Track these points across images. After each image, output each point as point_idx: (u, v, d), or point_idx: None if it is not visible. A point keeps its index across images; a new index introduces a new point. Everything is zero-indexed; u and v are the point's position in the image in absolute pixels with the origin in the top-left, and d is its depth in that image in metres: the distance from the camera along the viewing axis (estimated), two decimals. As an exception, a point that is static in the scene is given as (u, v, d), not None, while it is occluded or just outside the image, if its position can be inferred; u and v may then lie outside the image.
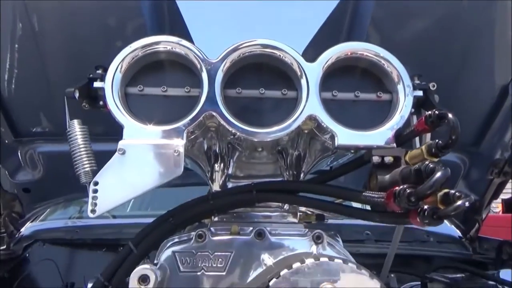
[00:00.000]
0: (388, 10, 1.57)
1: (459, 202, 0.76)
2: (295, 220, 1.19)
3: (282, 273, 0.83)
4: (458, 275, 1.86)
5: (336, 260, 0.85)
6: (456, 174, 2.27)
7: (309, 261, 0.84)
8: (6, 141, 2.03)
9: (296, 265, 0.83)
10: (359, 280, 0.84)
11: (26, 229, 2.47)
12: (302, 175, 1.21)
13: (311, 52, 1.82)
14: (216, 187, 1.22)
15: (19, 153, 2.13)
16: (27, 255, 2.38)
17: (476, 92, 1.93)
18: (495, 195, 2.33)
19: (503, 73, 1.82)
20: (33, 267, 2.35)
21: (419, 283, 1.87)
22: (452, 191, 0.80)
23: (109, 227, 2.41)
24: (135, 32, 1.46)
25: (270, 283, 0.82)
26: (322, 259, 0.85)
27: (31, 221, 2.54)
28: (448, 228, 2.66)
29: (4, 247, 2.31)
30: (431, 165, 0.82)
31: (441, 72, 1.80)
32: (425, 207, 0.80)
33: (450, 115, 0.86)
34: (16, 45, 1.67)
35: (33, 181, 2.23)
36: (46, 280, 2.33)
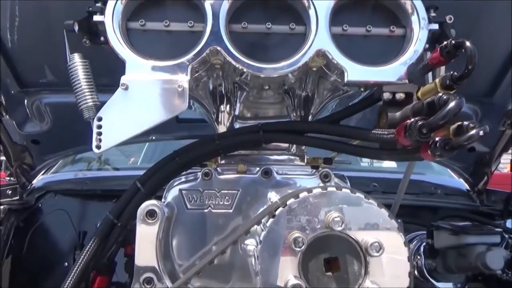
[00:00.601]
0: None
1: (473, 132, 0.73)
2: (303, 163, 1.18)
3: (288, 202, 0.82)
4: (465, 223, 1.86)
5: (344, 189, 0.84)
6: (468, 127, 2.22)
7: (316, 190, 0.83)
8: (12, 92, 2.02)
9: (303, 194, 0.82)
10: (366, 210, 0.83)
11: (38, 180, 2.52)
12: (310, 117, 1.18)
13: None
14: (222, 128, 1.20)
15: (25, 104, 2.12)
16: (40, 205, 2.43)
17: (493, 40, 1.85)
18: (506, 147, 2.30)
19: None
20: (46, 217, 2.40)
21: (425, 232, 1.88)
22: (466, 122, 0.77)
23: (119, 178, 2.44)
24: None
25: (276, 212, 0.82)
26: (329, 189, 0.83)
27: (42, 173, 2.58)
28: (456, 181, 2.65)
29: (17, 197, 2.36)
30: (444, 96, 0.78)
31: (457, 22, 1.72)
32: (437, 139, 0.77)
33: (467, 43, 0.81)
34: None
35: (41, 133, 2.24)
36: (59, 229, 2.40)
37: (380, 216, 0.84)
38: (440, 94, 0.80)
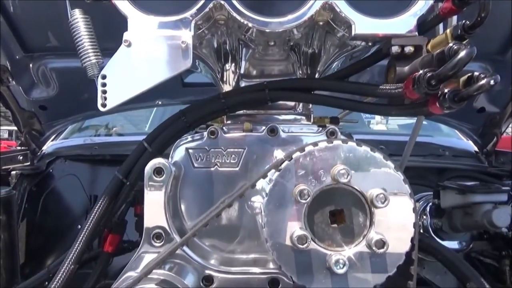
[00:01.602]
0: None
1: (483, 81, 0.71)
2: (309, 122, 1.17)
3: (294, 155, 0.82)
4: (472, 183, 1.86)
5: (350, 142, 0.83)
6: (478, 86, 2.18)
7: (322, 144, 0.83)
8: (17, 57, 2.01)
9: (308, 147, 0.82)
10: (372, 162, 0.83)
11: (48, 146, 2.55)
12: (316, 75, 1.16)
13: None
14: (227, 88, 1.19)
15: (31, 70, 2.12)
16: (51, 171, 2.48)
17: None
18: (521, 107, 2.26)
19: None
20: (57, 182, 2.46)
21: (432, 193, 1.89)
22: (476, 73, 0.75)
23: (127, 143, 2.46)
24: None
25: (282, 166, 0.82)
26: (335, 142, 0.83)
27: (52, 139, 2.61)
28: (464, 143, 2.63)
29: (28, 163, 2.40)
30: (455, 46, 0.75)
31: None
32: (446, 90, 0.76)
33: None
34: None
35: (48, 98, 2.25)
36: (70, 193, 2.46)
37: (386, 168, 0.84)
38: (451, 45, 0.77)
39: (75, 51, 1.58)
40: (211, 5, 0.91)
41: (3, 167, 2.27)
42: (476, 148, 2.54)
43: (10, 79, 2.08)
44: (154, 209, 0.94)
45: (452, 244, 1.86)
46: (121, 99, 0.88)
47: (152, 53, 0.88)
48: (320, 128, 1.06)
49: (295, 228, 0.80)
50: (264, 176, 0.85)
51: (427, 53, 0.89)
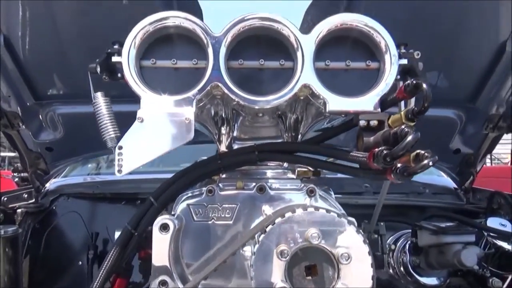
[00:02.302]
0: None
1: (425, 161, 0.90)
2: (294, 176, 1.36)
3: (276, 221, 1.00)
4: (448, 224, 2.03)
5: (320, 210, 1.02)
6: (453, 129, 2.40)
7: (298, 211, 1.01)
8: (28, 104, 2.20)
9: (288, 214, 1.00)
10: (338, 226, 1.01)
11: (51, 184, 2.70)
12: (299, 136, 1.35)
13: (313, 13, 1.91)
14: (223, 147, 1.38)
15: (40, 115, 2.31)
16: (54, 208, 2.62)
17: (475, 50, 2.01)
18: (490, 149, 2.47)
19: (501, 31, 1.89)
20: (60, 219, 2.59)
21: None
22: (422, 152, 0.94)
23: (127, 182, 2.61)
24: None
25: (267, 229, 1.00)
26: (309, 209, 1.01)
27: (55, 177, 2.76)
28: (444, 180, 2.82)
29: (33, 200, 2.55)
30: (405, 129, 0.95)
31: (441, 30, 1.88)
32: (398, 165, 0.95)
33: (424, 85, 0.98)
34: (28, 9, 1.77)
35: (54, 141, 2.43)
36: (72, 230, 2.59)
37: (349, 231, 1.02)
38: (403, 127, 0.97)
39: (81, 98, 1.77)
40: (210, 86, 1.10)
41: (10, 205, 2.42)
42: (455, 185, 2.73)
43: (21, 124, 2.26)
44: (161, 259, 1.10)
45: (430, 280, 2.02)
46: (134, 166, 1.06)
47: (160, 128, 1.07)
48: (303, 185, 1.24)
49: (277, 281, 0.99)
50: (252, 237, 1.03)
51: (389, 127, 1.09)
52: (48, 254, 2.51)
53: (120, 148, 1.06)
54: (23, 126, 2.27)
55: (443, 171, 2.75)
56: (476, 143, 2.43)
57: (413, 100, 1.13)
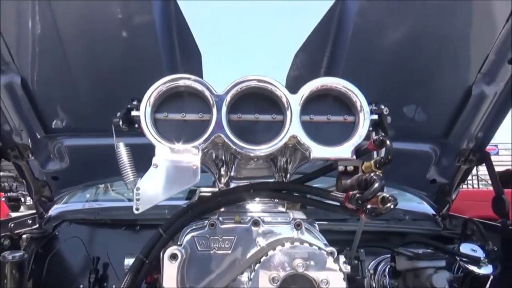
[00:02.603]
0: (365, 37, 1.91)
1: (388, 204, 1.13)
2: (283, 209, 1.58)
3: (269, 253, 1.21)
4: (424, 250, 2.25)
5: (304, 244, 1.24)
6: (429, 161, 2.65)
7: (287, 245, 1.23)
8: (38, 137, 2.40)
9: (278, 247, 1.22)
10: (319, 257, 1.23)
11: (53, 210, 2.87)
12: (288, 175, 1.58)
13: (301, 58, 2.18)
14: (222, 185, 1.59)
15: (48, 147, 2.51)
16: (57, 233, 2.78)
17: (446, 93, 2.29)
18: (463, 179, 2.73)
19: (468, 77, 2.17)
20: (62, 244, 2.75)
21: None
22: (387, 195, 1.17)
23: (126, 208, 2.80)
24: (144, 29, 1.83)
25: (261, 260, 1.21)
26: (295, 243, 1.23)
27: (57, 203, 2.93)
28: (423, 207, 3.06)
29: (37, 226, 2.72)
30: (374, 177, 1.18)
31: (415, 78, 2.15)
32: (368, 206, 1.18)
33: (387, 142, 1.22)
34: (40, 48, 1.99)
35: (60, 170, 2.61)
36: (74, 254, 2.74)
37: (328, 261, 1.24)
38: (372, 174, 1.20)
39: (86, 131, 1.98)
40: (213, 136, 1.33)
41: (16, 231, 2.58)
42: (433, 212, 2.97)
43: (30, 155, 2.45)
44: (170, 283, 1.30)
45: (409, 302, 2.23)
46: (149, 205, 1.28)
47: (172, 173, 1.29)
48: (291, 219, 1.46)
49: None
50: (249, 266, 1.24)
51: (362, 172, 1.32)
52: (51, 278, 2.66)
53: (138, 189, 1.27)
54: (32, 157, 2.47)
55: (422, 199, 2.99)
56: (450, 174, 2.68)
57: (383, 150, 1.37)
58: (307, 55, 2.21)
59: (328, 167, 1.43)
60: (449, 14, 1.89)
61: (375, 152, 1.40)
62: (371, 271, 2.31)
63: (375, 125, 1.41)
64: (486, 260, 2.21)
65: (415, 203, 3.10)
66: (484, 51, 2.06)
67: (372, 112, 1.39)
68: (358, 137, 1.36)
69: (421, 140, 2.59)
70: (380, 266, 2.31)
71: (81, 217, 2.83)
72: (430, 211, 2.99)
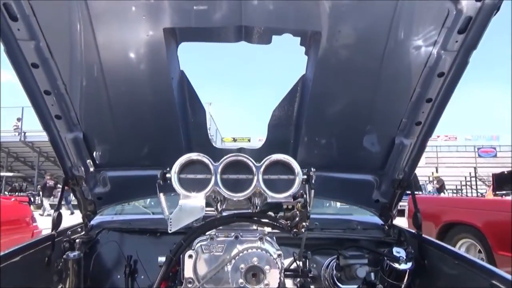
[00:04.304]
0: (319, 101, 3.02)
1: (302, 230, 2.25)
2: (255, 228, 2.70)
3: (241, 254, 2.34)
4: (360, 252, 3.36)
5: (259, 250, 2.37)
6: (372, 187, 3.76)
7: (251, 250, 2.36)
8: (90, 170, 3.54)
9: (245, 251, 2.35)
10: (267, 258, 2.36)
11: (95, 221, 4.00)
12: (258, 208, 2.70)
13: (277, 112, 3.30)
14: (218, 214, 2.73)
15: (96, 176, 3.65)
16: (98, 238, 3.71)
17: (378, 142, 3.40)
18: (399, 199, 3.82)
19: (391, 132, 3.28)
20: (103, 246, 3.70)
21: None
22: (304, 224, 2.29)
23: (150, 220, 3.95)
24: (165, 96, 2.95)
25: (236, 258, 2.34)
26: (255, 249, 2.36)
27: (97, 215, 4.07)
28: (373, 218, 4.13)
29: (84, 233, 3.87)
30: (298, 213, 2.30)
31: (356, 130, 3.26)
32: (294, 230, 2.30)
33: (304, 195, 2.33)
34: (98, 114, 3.14)
35: (103, 192, 3.75)
36: (112, 254, 3.65)
37: (271, 259, 2.36)
38: (297, 212, 2.32)
39: (124, 166, 3.20)
40: (212, 189, 2.45)
41: (72, 237, 3.73)
42: (382, 222, 4.07)
43: (84, 183, 3.60)
44: (188, 273, 2.43)
45: (350, 287, 3.35)
46: (176, 228, 2.41)
47: (189, 209, 2.42)
48: (258, 234, 2.59)
49: (240, 279, 2.32)
50: (230, 260, 2.39)
51: (297, 209, 2.44)
52: (96, 271, 3.75)
53: (170, 219, 2.41)
54: (85, 185, 3.61)
55: (372, 213, 4.10)
56: (389, 196, 3.79)
57: (312, 193, 2.48)
58: (282, 111, 3.34)
59: (279, 204, 2.56)
60: (373, 89, 2.97)
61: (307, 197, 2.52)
62: (325, 266, 3.44)
63: (306, 181, 2.52)
64: (405, 259, 3.33)
65: (368, 216, 4.18)
66: (400, 116, 3.16)
67: (303, 174, 2.51)
68: (295, 188, 2.48)
69: (366, 172, 3.71)
70: (331, 263, 3.44)
71: (117, 226, 3.95)
72: (379, 222, 4.08)
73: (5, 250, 2.82)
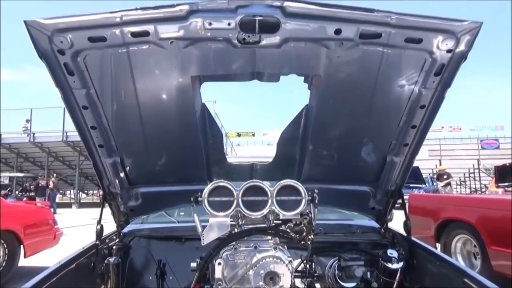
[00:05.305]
0: (322, 125, 3.68)
1: (308, 242, 2.90)
2: (270, 239, 3.35)
3: (260, 262, 2.99)
4: (360, 255, 4.01)
5: (274, 258, 3.01)
6: (368, 196, 4.41)
7: (268, 258, 3.01)
8: (125, 187, 4.20)
9: (264, 259, 3.00)
10: (281, 263, 3.01)
11: (127, 229, 4.67)
12: (272, 222, 3.35)
13: (285, 135, 3.96)
14: (240, 228, 3.38)
15: (129, 192, 4.31)
16: (131, 245, 4.16)
17: (373, 159, 4.04)
18: (392, 206, 4.47)
19: (383, 151, 3.92)
20: (135, 252, 4.14)
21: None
22: (310, 237, 2.94)
23: (175, 228, 4.63)
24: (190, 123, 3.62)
25: (257, 265, 2.99)
26: (271, 258, 3.01)
27: (129, 224, 4.75)
28: (371, 223, 4.79)
29: (118, 240, 4.54)
30: (305, 228, 2.95)
31: (354, 149, 3.90)
32: (302, 242, 2.95)
33: (310, 213, 2.98)
34: (133, 142, 3.80)
35: (136, 206, 4.42)
36: (143, 259, 4.10)
37: (283, 265, 3.01)
38: (304, 227, 2.97)
39: (154, 183, 3.93)
40: (235, 209, 3.11)
41: (110, 244, 4.41)
42: (378, 226, 4.72)
43: (119, 198, 4.26)
44: (218, 275, 3.10)
45: (350, 285, 4.01)
46: (207, 242, 3.07)
47: (217, 226, 3.08)
48: (272, 244, 3.25)
49: (260, 282, 2.99)
50: (252, 267, 3.04)
51: (304, 224, 3.09)
52: (130, 275, 4.36)
53: (203, 235, 3.07)
54: (120, 200, 4.27)
55: (370, 218, 4.76)
56: (383, 204, 4.44)
57: (316, 210, 3.14)
58: (289, 133, 3.99)
59: (287, 220, 3.21)
60: (367, 117, 3.61)
61: (313, 212, 3.17)
62: (328, 266, 4.10)
63: (310, 201, 3.17)
64: (397, 260, 3.98)
65: (366, 220, 4.80)
66: (390, 138, 3.80)
67: (308, 195, 3.15)
68: (302, 207, 3.13)
69: (363, 184, 4.35)
70: (333, 263, 4.09)
71: (147, 234, 4.47)
72: (376, 225, 4.72)
73: (62, 260, 3.49)
